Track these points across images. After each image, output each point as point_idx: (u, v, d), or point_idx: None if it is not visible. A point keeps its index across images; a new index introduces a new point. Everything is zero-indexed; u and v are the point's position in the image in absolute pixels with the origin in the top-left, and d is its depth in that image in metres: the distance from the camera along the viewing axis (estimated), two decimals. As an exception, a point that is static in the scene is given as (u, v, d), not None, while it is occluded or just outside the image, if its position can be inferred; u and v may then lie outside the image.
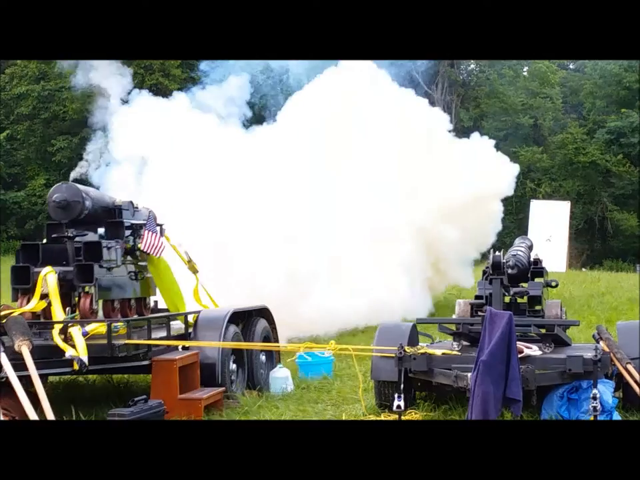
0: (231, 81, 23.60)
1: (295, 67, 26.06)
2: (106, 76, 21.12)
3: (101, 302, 12.00)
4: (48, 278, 11.08)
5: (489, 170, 25.29)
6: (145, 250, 12.63)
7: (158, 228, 13.31)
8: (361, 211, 21.81)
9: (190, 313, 12.75)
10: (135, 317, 12.38)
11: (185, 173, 19.35)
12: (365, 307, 19.74)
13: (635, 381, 10.25)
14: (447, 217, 23.77)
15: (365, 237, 21.63)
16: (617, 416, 10.23)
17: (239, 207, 18.59)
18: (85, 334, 10.60)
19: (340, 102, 22.85)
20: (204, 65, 28.18)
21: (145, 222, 12.97)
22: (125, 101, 21.76)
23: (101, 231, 12.48)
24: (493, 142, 26.79)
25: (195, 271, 13.91)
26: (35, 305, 11.09)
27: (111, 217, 12.66)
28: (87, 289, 11.56)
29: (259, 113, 25.97)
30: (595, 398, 9.85)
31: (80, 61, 21.38)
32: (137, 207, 13.23)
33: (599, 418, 9.81)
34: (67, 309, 11.39)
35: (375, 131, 23.37)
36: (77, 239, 11.89)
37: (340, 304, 19.27)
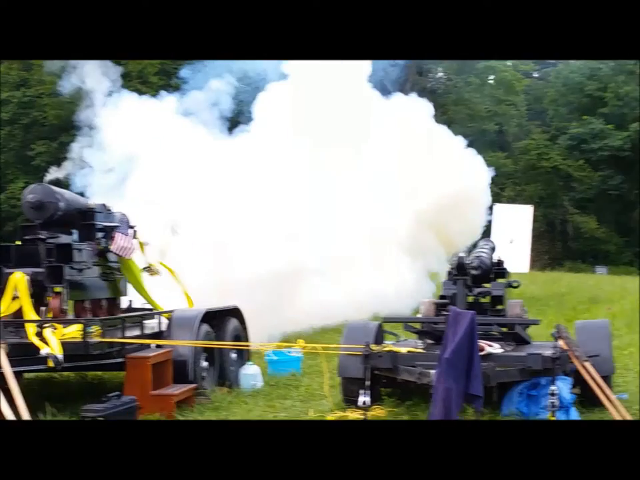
0: (212, 85, 23.85)
1: (272, 73, 26.19)
2: (93, 75, 21.33)
3: (72, 302, 12.21)
4: (19, 282, 11.24)
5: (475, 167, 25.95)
6: (114, 251, 12.81)
7: (130, 230, 13.49)
8: (360, 211, 22.19)
9: (163, 312, 12.99)
10: (108, 316, 12.53)
11: (179, 174, 19.48)
12: (363, 301, 19.96)
13: (592, 378, 10.49)
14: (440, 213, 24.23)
15: (364, 235, 22.00)
16: (574, 412, 10.52)
17: (238, 207, 18.77)
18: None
19: (340, 100, 23.18)
20: (184, 72, 28.26)
21: (118, 225, 13.16)
22: (109, 101, 21.93)
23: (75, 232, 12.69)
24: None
25: (154, 273, 14.15)
26: (7, 307, 11.23)
27: (84, 219, 12.81)
28: (57, 289, 11.74)
29: (236, 118, 26.09)
30: (553, 394, 10.10)
31: (67, 63, 21.47)
32: (109, 210, 13.37)
33: (557, 414, 10.07)
34: (43, 308, 11.56)
35: (374, 129, 23.79)
36: (49, 240, 12.03)
37: (339, 298, 19.55)
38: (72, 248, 12.03)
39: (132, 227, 13.57)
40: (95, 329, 11.01)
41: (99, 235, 12.87)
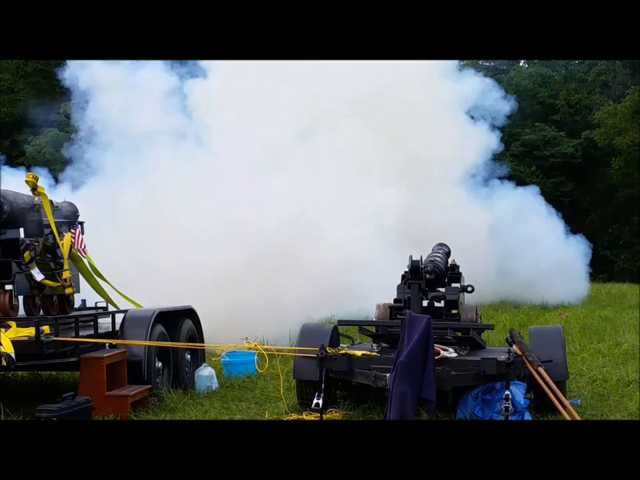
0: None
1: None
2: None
3: (22, 298, 12.10)
4: None
5: None
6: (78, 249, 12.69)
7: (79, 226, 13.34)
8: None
9: (117, 312, 12.91)
10: (58, 314, 12.41)
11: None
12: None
13: (546, 383, 10.60)
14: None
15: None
16: (528, 416, 10.60)
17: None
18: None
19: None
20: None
21: (73, 220, 13.01)
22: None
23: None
24: None
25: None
26: None
27: (30, 216, 12.57)
28: (6, 285, 11.66)
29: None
30: (507, 399, 10.13)
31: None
32: (57, 206, 13.23)
33: (511, 418, 10.13)
34: None
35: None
36: None
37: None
38: (19, 243, 11.87)
39: (81, 222, 13.39)
40: (46, 328, 10.95)
41: (47, 231, 12.68)
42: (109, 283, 13.81)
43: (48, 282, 12.24)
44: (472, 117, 28.83)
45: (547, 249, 28.51)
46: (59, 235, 12.69)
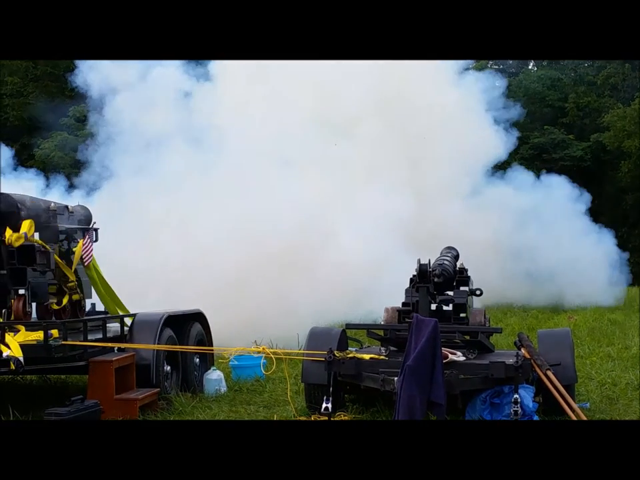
0: None
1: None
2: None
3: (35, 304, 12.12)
4: None
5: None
6: (83, 257, 12.70)
7: (94, 233, 13.36)
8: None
9: (126, 315, 12.93)
10: (70, 319, 12.45)
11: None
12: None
13: (554, 387, 10.60)
14: None
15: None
16: (537, 420, 10.52)
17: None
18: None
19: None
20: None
21: (79, 226, 13.03)
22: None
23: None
24: None
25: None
26: None
27: (46, 222, 12.57)
28: (20, 291, 11.67)
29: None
30: (516, 402, 10.19)
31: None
32: (72, 212, 13.25)
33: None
34: (4, 311, 11.50)
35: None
36: None
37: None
38: (34, 250, 11.89)
39: (96, 229, 13.43)
40: (55, 332, 10.97)
41: (61, 237, 12.72)
42: (109, 293, 13.76)
43: (65, 300, 12.34)
44: (485, 119, 28.78)
45: (569, 249, 28.34)
46: (73, 242, 12.72)
